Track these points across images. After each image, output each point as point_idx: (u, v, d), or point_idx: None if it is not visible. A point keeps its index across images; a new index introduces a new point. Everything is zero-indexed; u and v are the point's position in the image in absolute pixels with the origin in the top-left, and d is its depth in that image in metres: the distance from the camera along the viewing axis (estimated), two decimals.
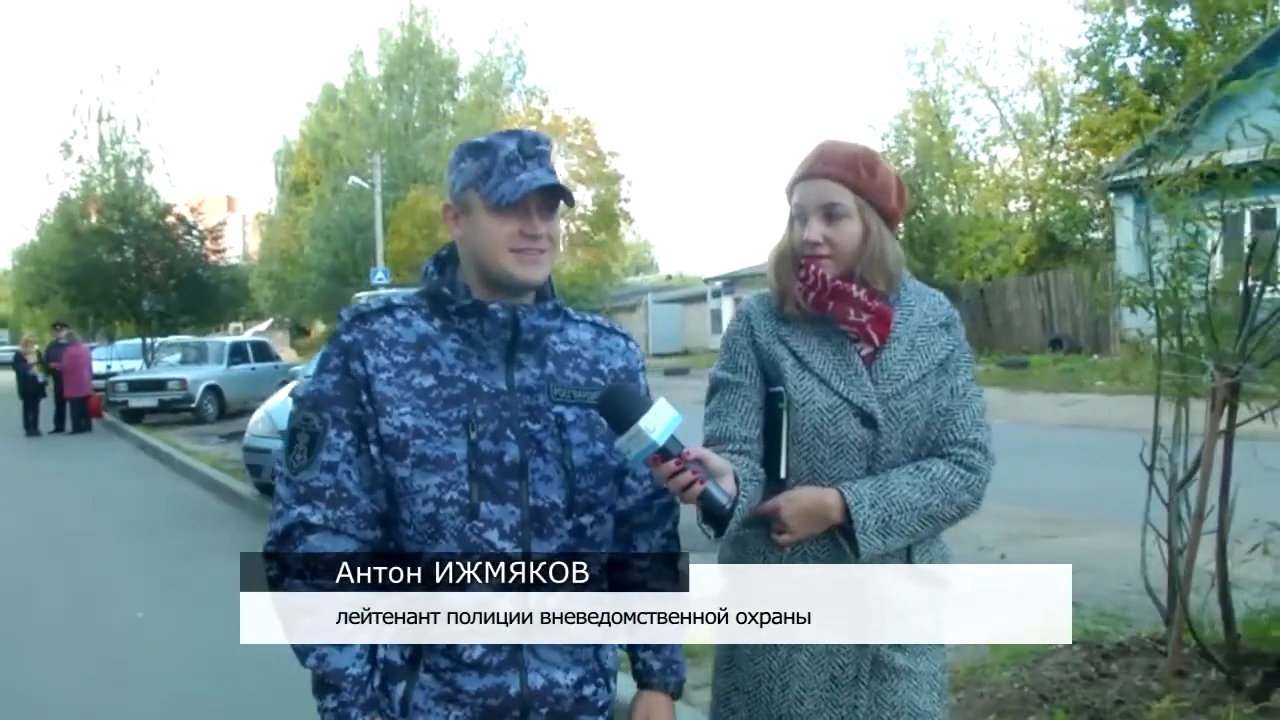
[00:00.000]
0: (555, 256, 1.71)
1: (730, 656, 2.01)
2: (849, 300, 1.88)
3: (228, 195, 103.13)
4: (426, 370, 1.63)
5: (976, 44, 37.64)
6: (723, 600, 1.99)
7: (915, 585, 1.92)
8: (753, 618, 1.90)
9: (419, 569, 1.61)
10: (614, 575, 1.77)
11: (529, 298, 1.69)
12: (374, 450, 1.61)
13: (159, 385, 18.51)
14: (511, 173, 1.62)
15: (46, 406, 18.38)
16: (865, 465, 1.88)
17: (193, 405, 18.01)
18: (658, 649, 1.81)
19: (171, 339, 23.81)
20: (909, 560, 1.91)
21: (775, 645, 1.92)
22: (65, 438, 17.66)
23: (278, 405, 9.84)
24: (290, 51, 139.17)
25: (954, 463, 1.89)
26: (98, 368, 20.12)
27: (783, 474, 1.88)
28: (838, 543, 1.87)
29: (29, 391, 18.42)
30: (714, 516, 1.70)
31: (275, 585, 1.61)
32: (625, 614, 1.76)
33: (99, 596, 6.70)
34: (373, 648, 1.61)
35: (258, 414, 10.23)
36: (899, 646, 1.90)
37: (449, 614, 1.59)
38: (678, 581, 1.83)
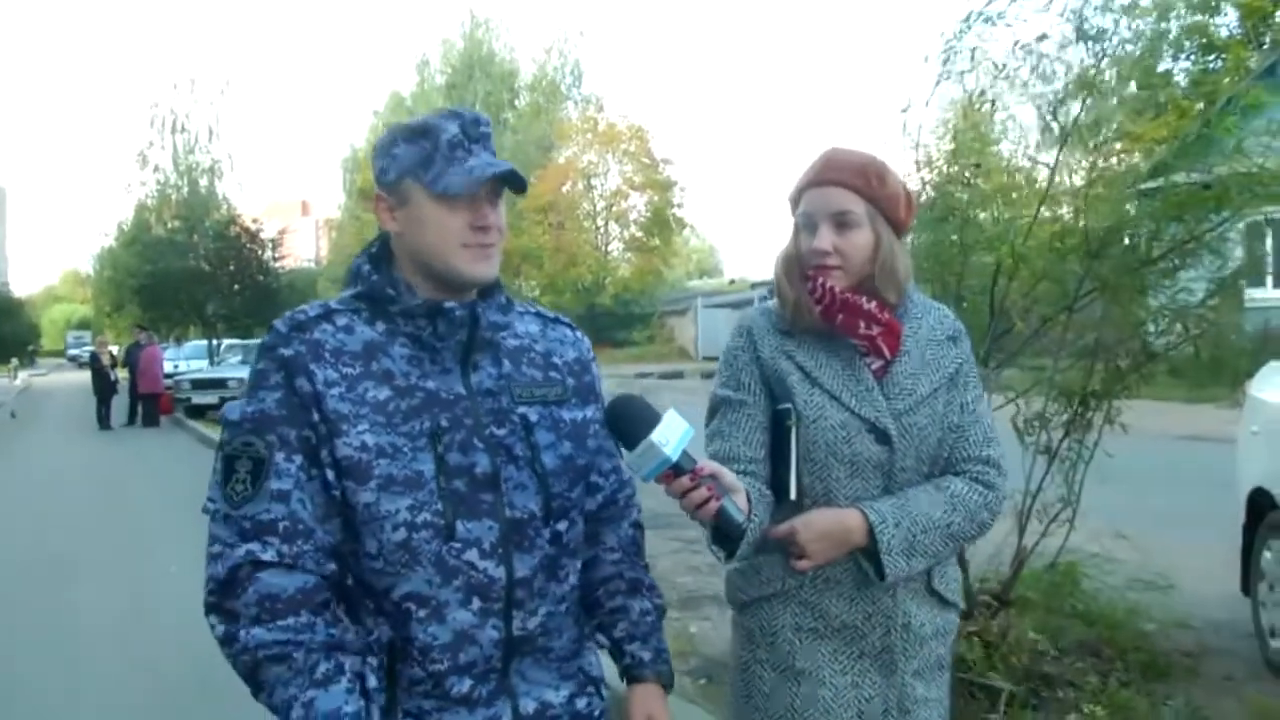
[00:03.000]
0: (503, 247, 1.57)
1: (747, 694, 1.91)
2: (859, 313, 1.82)
3: (302, 200, 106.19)
4: (380, 381, 1.47)
5: (1022, 50, 37.59)
6: (742, 635, 1.93)
7: (935, 610, 1.88)
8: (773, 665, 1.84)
9: (386, 610, 1.47)
10: (585, 572, 1.67)
11: (473, 294, 1.56)
12: (329, 475, 1.44)
13: (220, 384, 19.81)
14: (457, 159, 1.48)
15: (119, 402, 19.82)
16: (882, 484, 1.82)
17: None
18: (644, 639, 1.69)
19: (233, 341, 25.22)
20: (930, 585, 1.87)
21: (797, 680, 1.83)
22: (135, 431, 19.09)
23: None
24: (362, 62, 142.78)
25: (971, 480, 1.84)
26: (166, 368, 21.52)
27: (793, 494, 1.80)
28: (860, 566, 1.81)
29: (103, 388, 19.87)
30: (726, 536, 1.63)
31: (229, 641, 1.41)
32: (608, 610, 1.69)
33: (142, 556, 7.89)
34: (361, 679, 1.43)
35: None
36: (919, 674, 1.85)
37: (427, 647, 1.45)
38: (648, 570, 1.76)
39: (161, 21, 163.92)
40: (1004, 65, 4.67)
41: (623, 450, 1.54)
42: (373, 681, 1.44)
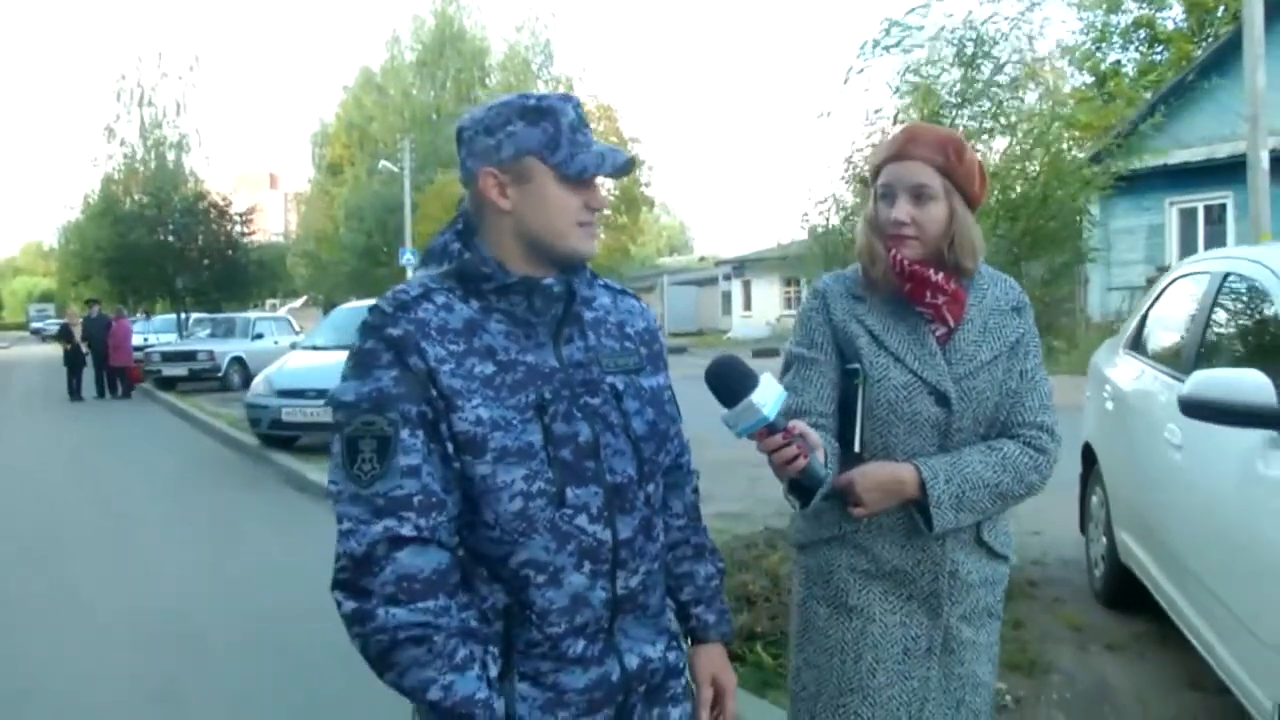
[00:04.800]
0: None
1: (804, 630, 2.03)
2: (926, 283, 1.91)
3: (270, 173, 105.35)
4: (484, 357, 1.51)
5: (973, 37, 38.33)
6: (801, 574, 2.06)
7: (984, 560, 1.98)
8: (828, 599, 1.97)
9: (504, 577, 1.52)
10: None
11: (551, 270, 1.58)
12: (449, 449, 1.47)
13: (189, 356, 20.26)
14: (583, 143, 1.53)
15: (88, 374, 20.18)
16: (938, 442, 1.92)
17: (219, 374, 19.71)
18: (709, 603, 1.77)
19: (202, 315, 25.50)
20: (979, 536, 1.97)
21: (849, 616, 1.95)
22: (106, 402, 19.44)
23: (276, 370, 11.59)
24: (331, 35, 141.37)
25: (1023, 443, 1.93)
26: (135, 340, 21.84)
27: (856, 448, 1.91)
28: (911, 516, 1.92)
29: (74, 361, 20.21)
30: (803, 488, 1.74)
31: (363, 619, 1.42)
32: (675, 575, 1.76)
33: (126, 516, 8.41)
34: (485, 665, 1.48)
35: (258, 378, 11.94)
36: (965, 619, 1.96)
37: (546, 611, 1.51)
38: (708, 534, 1.83)
39: None
40: (896, 86, 5.36)
41: (719, 408, 1.61)
42: (493, 670, 1.49)
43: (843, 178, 5.57)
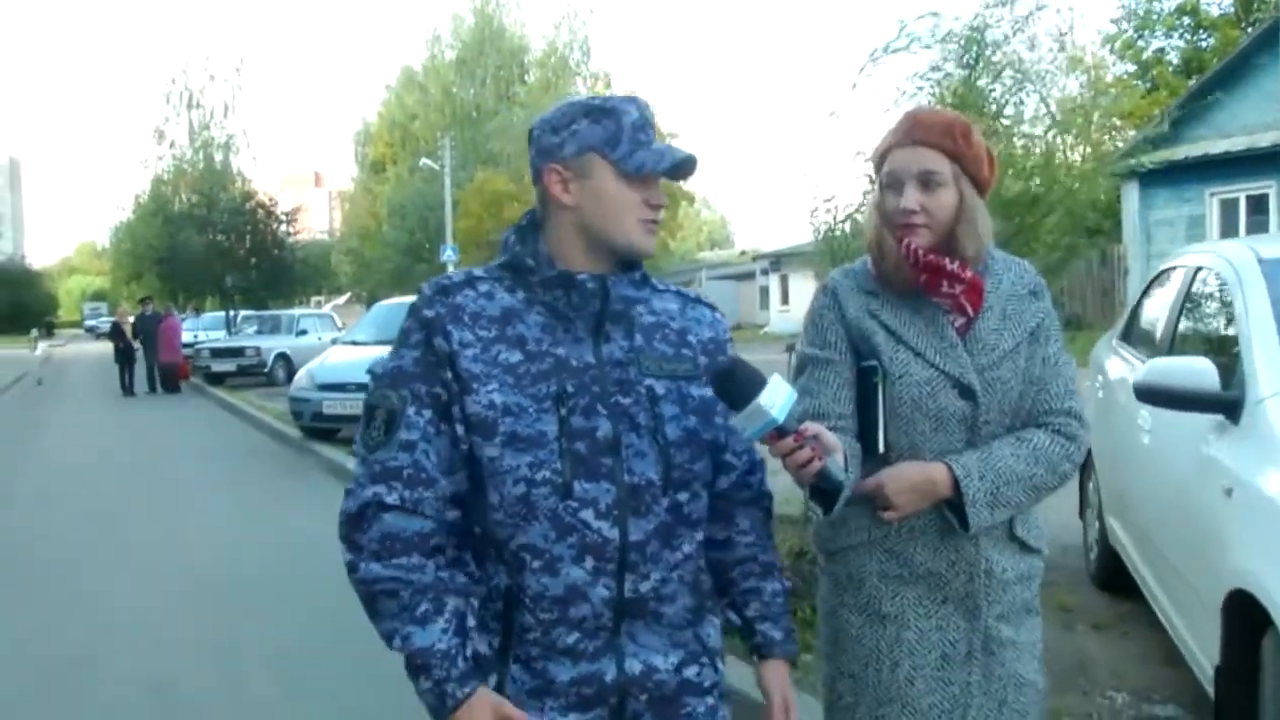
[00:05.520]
0: None
1: (835, 638, 1.96)
2: (942, 272, 1.85)
3: (315, 171, 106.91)
4: (513, 345, 1.55)
5: (1016, 27, 38.07)
6: (829, 582, 1.99)
7: (1017, 556, 1.92)
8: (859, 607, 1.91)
9: (505, 558, 1.55)
10: (720, 553, 1.73)
11: (614, 267, 1.60)
12: (459, 430, 1.53)
13: (237, 352, 20.85)
14: (644, 141, 1.55)
15: (139, 370, 20.80)
16: (965, 438, 1.85)
17: (265, 370, 20.25)
18: (775, 620, 1.74)
19: (249, 312, 26.15)
20: (1011, 531, 1.90)
21: (883, 624, 1.89)
22: (157, 397, 20.06)
23: (318, 365, 11.97)
24: (374, 35, 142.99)
25: (1053, 432, 1.87)
26: (185, 338, 22.48)
27: (881, 449, 1.86)
28: (942, 516, 1.85)
29: (125, 357, 20.89)
30: (824, 493, 1.68)
31: (352, 569, 1.54)
32: (741, 590, 1.73)
33: (177, 495, 9.14)
34: (461, 618, 1.52)
35: (301, 372, 12.36)
36: (1003, 618, 1.89)
37: (539, 596, 1.53)
38: (778, 553, 1.81)
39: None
40: (903, 90, 5.57)
41: (730, 412, 1.57)
42: (471, 620, 1.54)
43: (851, 177, 5.78)
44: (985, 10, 5.53)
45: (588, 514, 1.53)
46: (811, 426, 1.57)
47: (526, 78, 48.91)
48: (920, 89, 5.57)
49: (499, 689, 1.54)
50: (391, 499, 1.52)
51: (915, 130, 1.87)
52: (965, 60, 5.46)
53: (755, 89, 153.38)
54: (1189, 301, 3.88)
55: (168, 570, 6.50)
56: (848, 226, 5.49)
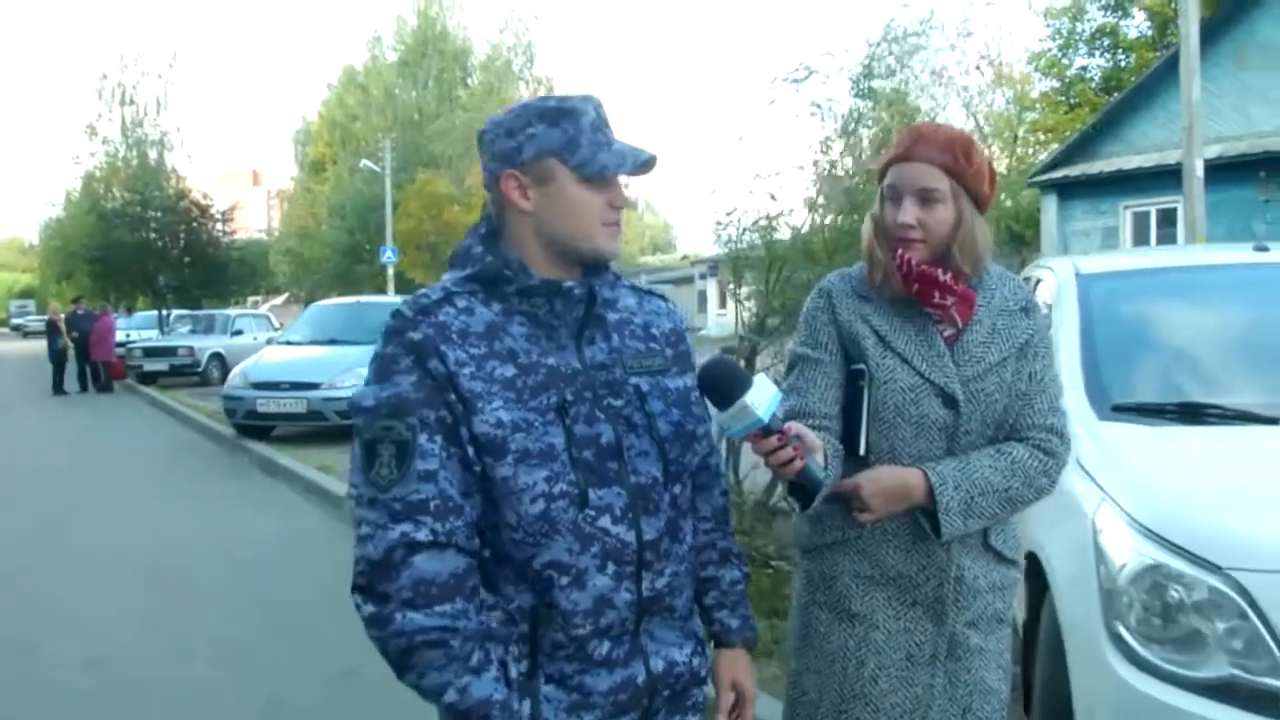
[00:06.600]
0: None
1: (804, 635, 1.99)
2: (934, 284, 1.87)
3: (253, 170, 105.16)
4: (505, 359, 1.50)
5: (949, 45, 39.25)
6: (803, 579, 2.01)
7: (991, 565, 1.93)
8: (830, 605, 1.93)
9: (529, 578, 1.51)
10: None
11: (577, 271, 1.58)
12: (469, 452, 1.47)
13: (170, 352, 20.70)
14: (603, 141, 1.52)
15: (70, 369, 20.57)
16: (945, 445, 1.87)
17: (199, 369, 20.16)
18: (733, 608, 1.75)
19: (182, 312, 25.94)
20: (986, 541, 1.92)
21: (851, 622, 1.91)
22: (90, 396, 19.87)
23: (252, 364, 12.20)
24: (316, 34, 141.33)
25: (1033, 446, 1.88)
26: (118, 336, 22.22)
27: (862, 451, 1.87)
28: (916, 521, 1.87)
29: (59, 355, 20.64)
30: (803, 490, 1.71)
31: (381, 623, 1.42)
32: (700, 579, 1.73)
33: (113, 492, 9.34)
34: (505, 668, 1.49)
35: (235, 371, 12.56)
36: (973, 624, 1.90)
37: (570, 613, 1.50)
38: (734, 537, 1.81)
39: None
40: (799, 115, 5.99)
41: (712, 410, 1.58)
42: (513, 671, 1.49)
43: (750, 191, 6.11)
44: (874, 49, 6.00)
45: (605, 521, 1.51)
46: (794, 426, 1.58)
47: (469, 81, 48.83)
48: (814, 114, 5.98)
49: (534, 714, 1.50)
50: (422, 535, 1.43)
51: (917, 145, 1.88)
52: (857, 91, 5.90)
53: (700, 94, 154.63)
54: None
55: (107, 561, 6.71)
56: (752, 238, 5.86)
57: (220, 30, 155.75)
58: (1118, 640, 2.31)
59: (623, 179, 1.57)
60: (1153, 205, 19.37)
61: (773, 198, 5.59)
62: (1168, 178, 18.37)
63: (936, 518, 1.83)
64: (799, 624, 2.01)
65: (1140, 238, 19.49)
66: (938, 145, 1.87)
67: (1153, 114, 18.89)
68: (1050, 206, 19.90)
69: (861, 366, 1.90)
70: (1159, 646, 2.26)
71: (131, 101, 29.88)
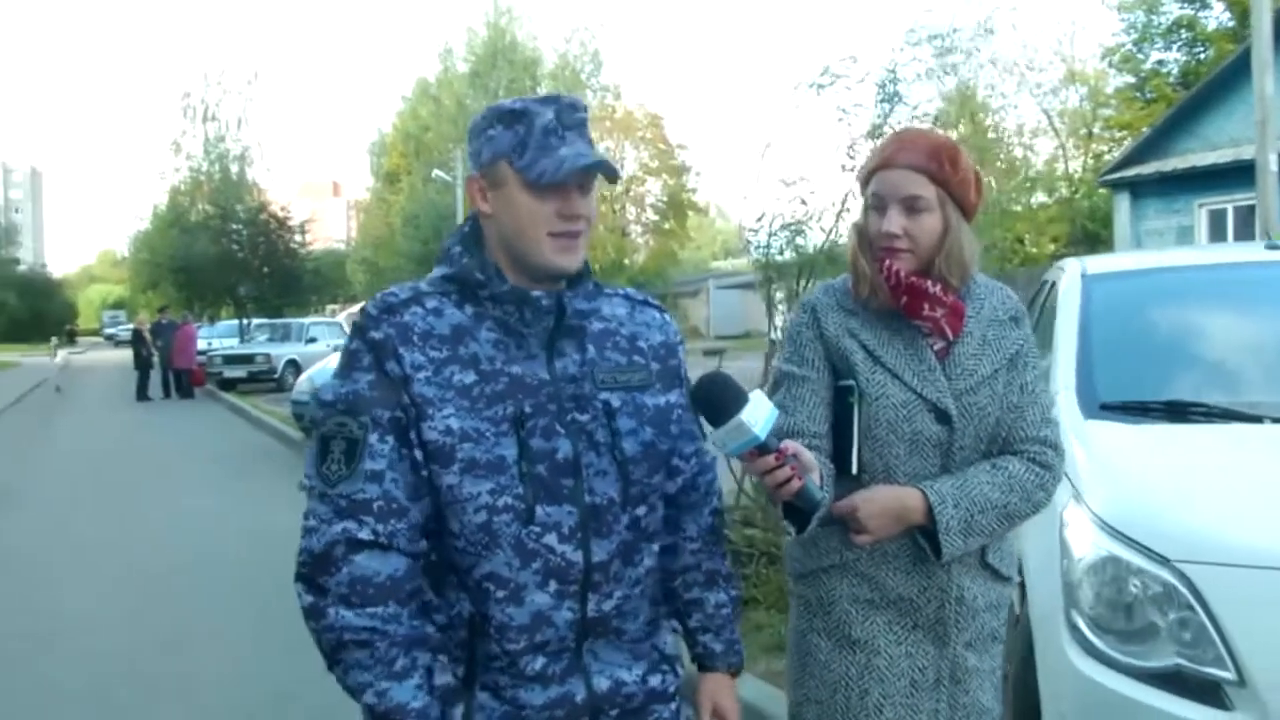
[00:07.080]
0: (590, 236, 1.56)
1: (803, 664, 1.93)
2: (923, 295, 1.82)
3: (333, 181, 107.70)
4: (466, 365, 1.47)
5: (1021, 42, 38.67)
6: (799, 605, 1.96)
7: (988, 584, 1.89)
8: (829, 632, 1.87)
9: (468, 586, 1.48)
10: (664, 559, 1.66)
11: (560, 282, 1.53)
12: (419, 455, 1.45)
13: (248, 359, 21.58)
14: (550, 146, 1.46)
15: (155, 377, 21.40)
16: (940, 462, 1.82)
17: (275, 376, 20.87)
18: (718, 632, 1.71)
19: (262, 320, 26.81)
20: (983, 559, 1.87)
21: (852, 649, 1.86)
22: (172, 402, 20.67)
23: (318, 370, 12.64)
24: (391, 48, 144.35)
25: (1028, 460, 1.84)
26: (200, 345, 23.04)
27: (854, 470, 1.82)
28: (915, 541, 1.82)
29: (143, 364, 21.56)
30: (799, 512, 1.62)
31: (316, 615, 1.43)
32: (684, 600, 1.70)
33: (182, 493, 9.85)
34: (430, 675, 1.46)
35: (301, 378, 13.17)
36: (970, 645, 1.87)
37: (504, 626, 1.47)
38: (726, 559, 1.75)
39: (194, 9, 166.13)
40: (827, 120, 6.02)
41: (707, 427, 1.53)
42: (439, 679, 1.47)
43: (778, 198, 6.14)
44: (899, 51, 6.01)
45: (551, 539, 1.47)
46: (791, 445, 1.53)
47: (538, 90, 49.36)
48: (840, 119, 6.00)
49: (466, 718, 1.50)
50: (363, 534, 1.42)
51: (900, 152, 1.83)
52: (884, 93, 5.92)
53: (769, 99, 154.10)
54: (1041, 310, 4.32)
55: (144, 554, 7.24)
56: (781, 243, 5.92)
57: (301, 46, 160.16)
58: (1074, 630, 2.37)
59: (621, 187, 1.68)
60: (1229, 203, 18.81)
61: (803, 202, 5.64)
62: (1245, 174, 17.80)
63: (935, 538, 1.78)
64: (797, 652, 1.95)
65: (1217, 235, 18.94)
66: (922, 151, 1.82)
67: (1229, 108, 18.35)
68: (1123, 206, 19.43)
69: (850, 383, 1.85)
70: (1112, 637, 2.31)
71: (214, 118, 31.02)
